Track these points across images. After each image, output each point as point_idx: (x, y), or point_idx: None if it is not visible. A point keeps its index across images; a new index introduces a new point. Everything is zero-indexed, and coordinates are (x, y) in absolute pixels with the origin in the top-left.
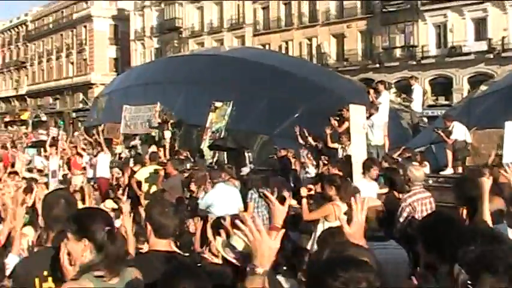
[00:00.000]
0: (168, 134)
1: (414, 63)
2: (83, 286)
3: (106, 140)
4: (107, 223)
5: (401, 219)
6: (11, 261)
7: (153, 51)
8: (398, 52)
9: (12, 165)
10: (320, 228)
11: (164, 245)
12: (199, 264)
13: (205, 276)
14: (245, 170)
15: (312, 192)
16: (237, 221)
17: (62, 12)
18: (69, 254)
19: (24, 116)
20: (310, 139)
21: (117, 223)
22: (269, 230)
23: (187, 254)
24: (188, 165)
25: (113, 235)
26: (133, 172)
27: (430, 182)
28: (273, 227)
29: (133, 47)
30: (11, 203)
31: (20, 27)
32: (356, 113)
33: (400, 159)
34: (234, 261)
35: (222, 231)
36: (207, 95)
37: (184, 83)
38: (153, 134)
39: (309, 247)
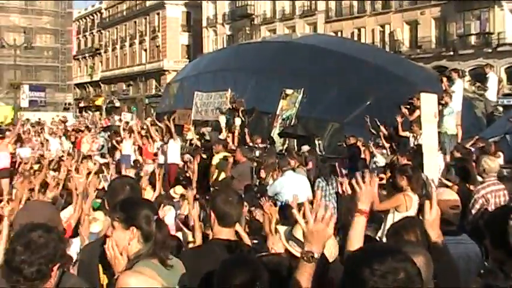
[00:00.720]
0: (238, 121)
1: (490, 50)
2: (144, 273)
3: (177, 126)
4: (155, 212)
5: (473, 211)
6: (76, 245)
7: (225, 38)
8: (473, 39)
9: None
10: (390, 218)
11: (227, 233)
12: (263, 254)
13: (261, 267)
14: (304, 148)
15: (384, 182)
16: (293, 211)
17: None
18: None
19: (98, 101)
20: (382, 128)
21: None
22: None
23: (256, 241)
24: (258, 153)
25: (160, 224)
26: (202, 159)
27: (505, 173)
28: (360, 211)
29: (206, 33)
30: (81, 187)
31: (94, 14)
32: (427, 101)
33: (473, 149)
34: (297, 254)
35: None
36: (278, 82)
37: (255, 70)
38: (222, 120)
39: (377, 237)
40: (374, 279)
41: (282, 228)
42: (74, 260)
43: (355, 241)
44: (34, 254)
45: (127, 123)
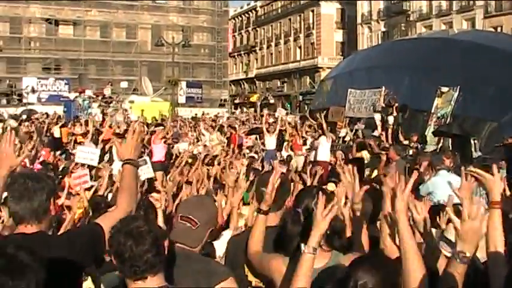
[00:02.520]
0: (391, 119)
1: None
2: None
3: (330, 123)
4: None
5: None
6: (226, 236)
7: (379, 34)
8: None
9: (240, 146)
10: None
11: None
12: None
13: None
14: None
15: None
16: (448, 209)
17: None
18: None
19: (253, 98)
20: None
21: None
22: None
23: None
24: (411, 151)
25: None
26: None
27: None
28: (494, 203)
29: (360, 30)
30: (230, 182)
31: (250, 12)
32: None
33: None
34: (448, 255)
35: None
36: (433, 80)
37: (409, 67)
38: (378, 118)
39: None
40: None
41: (433, 231)
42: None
43: (496, 238)
44: (144, 244)
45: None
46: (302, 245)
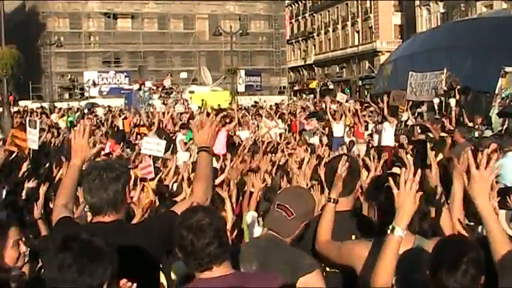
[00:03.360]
0: (453, 102)
1: None
2: None
3: (392, 107)
4: None
5: None
6: None
7: (438, 16)
8: None
9: (300, 133)
10: None
11: None
12: None
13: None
14: None
15: None
16: None
17: None
18: None
19: (313, 84)
20: None
21: None
22: None
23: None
24: (476, 134)
25: None
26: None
27: None
28: None
29: (419, 12)
30: (295, 168)
31: None
32: None
33: None
34: None
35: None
36: (496, 60)
37: (471, 48)
38: (436, 102)
39: None
40: None
41: (502, 212)
42: None
43: None
44: (206, 237)
45: (340, 104)
46: (390, 227)
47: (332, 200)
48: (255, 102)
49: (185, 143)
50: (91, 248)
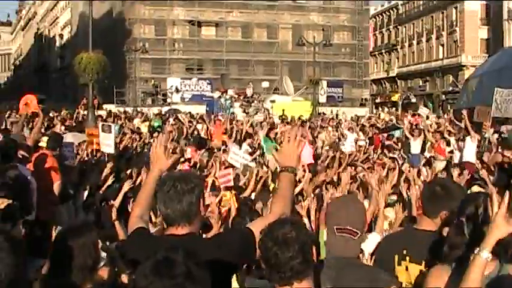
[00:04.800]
0: None
1: None
2: None
3: (476, 123)
4: None
5: None
6: (373, 239)
7: None
8: None
9: (383, 146)
10: None
11: None
12: None
13: None
14: None
15: None
16: None
17: None
18: None
19: (395, 97)
20: None
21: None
22: None
23: None
24: None
25: None
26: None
27: None
28: None
29: (506, 26)
30: (374, 184)
31: (391, 10)
32: None
33: None
34: None
35: None
36: None
37: None
38: None
39: None
40: None
41: None
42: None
43: None
44: (290, 251)
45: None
46: (476, 249)
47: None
48: (336, 114)
49: (250, 153)
50: (189, 273)
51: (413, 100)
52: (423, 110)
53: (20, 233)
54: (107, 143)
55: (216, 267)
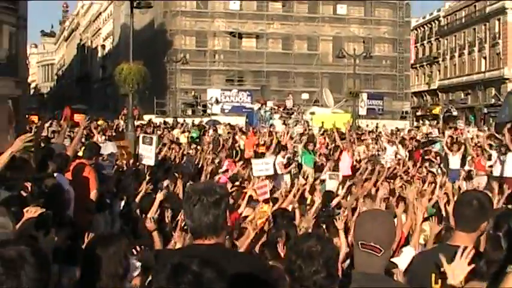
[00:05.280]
0: None
1: None
2: None
3: None
4: None
5: None
6: (407, 253)
7: None
8: None
9: (422, 160)
10: None
11: None
12: None
13: None
14: None
15: None
16: None
17: (475, 6)
18: None
19: (436, 110)
20: None
21: None
22: None
23: None
24: None
25: None
26: None
27: None
28: None
29: None
30: (412, 198)
31: (432, 22)
32: None
33: None
34: None
35: None
36: None
37: None
38: None
39: None
40: None
41: None
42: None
43: None
44: (314, 265)
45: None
46: (510, 266)
47: None
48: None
49: (285, 165)
50: (202, 281)
51: (455, 113)
52: (460, 124)
53: (52, 241)
54: (147, 155)
55: (243, 278)
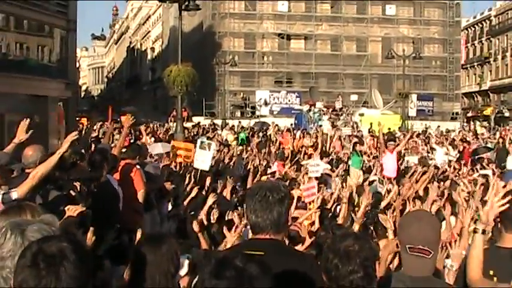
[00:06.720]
0: None
1: None
2: None
3: None
4: None
5: None
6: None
7: None
8: None
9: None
10: None
11: None
12: None
13: None
14: None
15: None
16: None
17: None
18: None
19: (487, 111)
20: None
21: None
22: None
23: None
24: None
25: None
26: None
27: None
28: None
29: None
30: (461, 200)
31: (483, 22)
32: None
33: None
34: None
35: None
36: None
37: None
38: None
39: None
40: None
41: None
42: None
43: None
44: (351, 264)
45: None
46: None
47: (476, 231)
48: (426, 128)
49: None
50: (245, 276)
51: (507, 114)
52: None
53: (90, 241)
54: (202, 159)
55: (299, 277)
